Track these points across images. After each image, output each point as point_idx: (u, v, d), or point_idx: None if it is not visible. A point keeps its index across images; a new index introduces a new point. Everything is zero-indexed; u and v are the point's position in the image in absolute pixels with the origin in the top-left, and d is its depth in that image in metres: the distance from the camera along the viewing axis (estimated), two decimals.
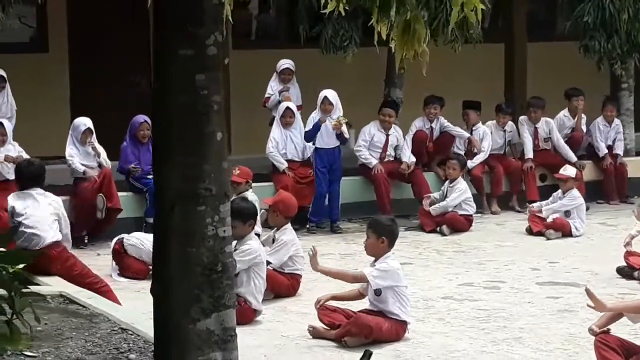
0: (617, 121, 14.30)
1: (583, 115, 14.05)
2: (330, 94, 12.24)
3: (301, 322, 8.16)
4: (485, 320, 8.32)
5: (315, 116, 12.22)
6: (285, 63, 13.37)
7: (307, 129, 12.21)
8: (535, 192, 13.24)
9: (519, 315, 8.45)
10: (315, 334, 7.89)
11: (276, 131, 12.62)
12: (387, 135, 12.91)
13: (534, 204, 12.17)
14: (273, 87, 13.33)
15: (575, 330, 7.82)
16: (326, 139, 12.12)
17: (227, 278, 4.63)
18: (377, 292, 7.80)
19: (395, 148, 13.02)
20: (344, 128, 12.04)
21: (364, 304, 8.02)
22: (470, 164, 13.09)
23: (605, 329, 6.81)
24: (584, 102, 13.98)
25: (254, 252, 8.30)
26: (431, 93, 13.58)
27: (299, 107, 12.79)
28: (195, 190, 4.55)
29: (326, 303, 7.98)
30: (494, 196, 13.34)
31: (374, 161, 12.73)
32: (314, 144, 12.25)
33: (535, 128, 13.76)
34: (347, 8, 6.05)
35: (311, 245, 8.39)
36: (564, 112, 14.09)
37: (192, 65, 4.54)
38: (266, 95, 13.35)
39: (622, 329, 6.99)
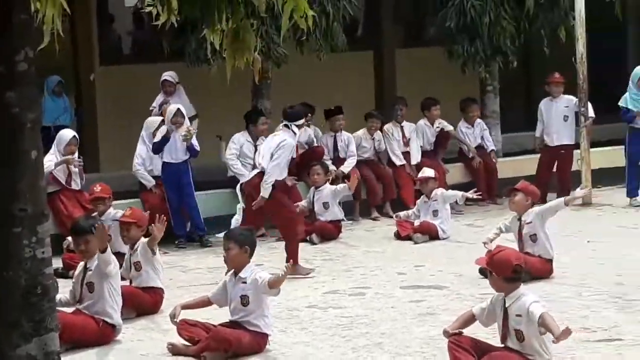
0: (478, 120, 14.47)
1: (443, 121, 14.19)
2: (182, 106, 12.15)
3: (162, 340, 8.03)
4: (348, 327, 8.30)
5: (162, 129, 12.06)
6: (164, 75, 13.39)
7: (155, 140, 12.05)
8: (412, 198, 13.22)
9: (381, 321, 8.45)
10: (174, 351, 7.77)
11: (142, 148, 12.46)
12: (256, 146, 12.89)
13: (400, 213, 12.24)
14: (158, 100, 13.25)
15: (435, 333, 7.83)
16: (174, 154, 11.98)
17: (48, 301, 4.51)
18: (245, 301, 7.71)
19: None
20: (194, 140, 11.96)
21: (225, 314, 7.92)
22: (344, 169, 13.13)
23: (457, 330, 6.89)
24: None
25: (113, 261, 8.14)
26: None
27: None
28: (10, 211, 4.42)
29: (186, 318, 7.88)
30: (372, 204, 13.38)
31: (246, 173, 12.66)
32: (161, 157, 12.07)
33: (401, 127, 13.91)
34: (178, 19, 6.01)
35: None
36: (424, 121, 14.20)
37: (1, 82, 4.41)
38: (150, 108, 13.24)
39: (479, 328, 7.03)
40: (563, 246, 10.52)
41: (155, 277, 9.09)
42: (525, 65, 16.41)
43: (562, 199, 9.94)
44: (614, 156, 14.70)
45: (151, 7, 6.07)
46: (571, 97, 13.86)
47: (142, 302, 8.95)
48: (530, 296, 6.63)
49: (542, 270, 9.60)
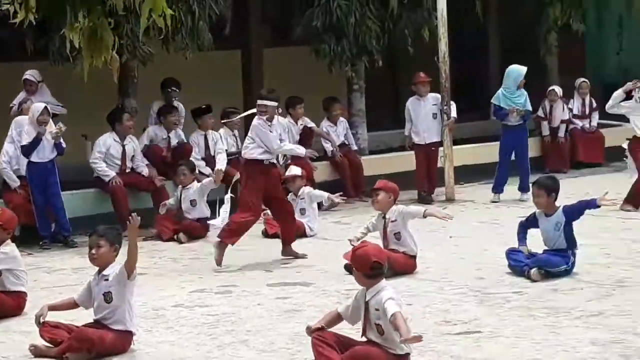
0: (341, 119, 14.65)
1: (306, 118, 14.35)
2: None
3: (24, 342, 7.92)
4: (214, 326, 8.33)
5: (28, 129, 11.88)
6: (26, 74, 13.21)
7: (23, 143, 11.85)
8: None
9: (247, 318, 8.50)
10: (37, 352, 7.68)
11: (10, 146, 12.25)
12: (124, 146, 12.82)
13: (269, 211, 12.26)
14: (19, 97, 13.03)
15: (301, 329, 7.86)
16: (41, 153, 11.81)
17: None
18: (108, 297, 7.66)
19: (132, 158, 12.95)
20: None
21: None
22: (220, 166, 13.03)
23: (319, 325, 6.98)
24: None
25: None
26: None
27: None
28: None
29: (48, 319, 7.79)
30: None
31: (111, 174, 12.59)
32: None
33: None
34: (36, 17, 5.96)
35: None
36: (289, 119, 14.27)
37: None
38: (10, 105, 13.03)
39: (344, 324, 7.12)
40: (427, 242, 10.75)
41: (17, 282, 8.91)
42: (390, 65, 16.63)
43: (422, 210, 10.09)
44: (476, 153, 15.06)
45: (8, 5, 6.00)
46: (438, 95, 14.10)
47: (4, 305, 8.78)
48: (389, 292, 6.73)
49: (406, 266, 9.79)
